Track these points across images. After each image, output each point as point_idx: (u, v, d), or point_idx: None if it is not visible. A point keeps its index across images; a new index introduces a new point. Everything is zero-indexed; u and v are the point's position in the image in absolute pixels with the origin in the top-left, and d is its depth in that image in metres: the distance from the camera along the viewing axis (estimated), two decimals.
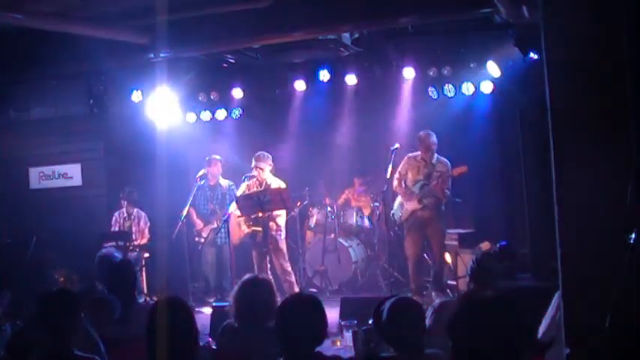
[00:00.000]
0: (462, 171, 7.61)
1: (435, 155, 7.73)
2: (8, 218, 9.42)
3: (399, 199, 7.88)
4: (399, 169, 7.75)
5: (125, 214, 8.98)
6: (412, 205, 7.67)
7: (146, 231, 9.00)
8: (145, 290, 8.47)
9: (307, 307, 3.25)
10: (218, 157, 8.95)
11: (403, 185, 7.77)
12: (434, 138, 7.69)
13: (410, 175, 7.76)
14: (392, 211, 7.97)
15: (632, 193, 2.72)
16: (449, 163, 7.73)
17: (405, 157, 7.80)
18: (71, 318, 3.53)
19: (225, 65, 9.05)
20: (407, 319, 3.30)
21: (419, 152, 7.78)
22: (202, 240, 8.85)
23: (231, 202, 8.32)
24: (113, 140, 9.63)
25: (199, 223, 8.89)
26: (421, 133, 7.76)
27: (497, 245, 7.49)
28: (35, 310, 3.66)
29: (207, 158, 8.94)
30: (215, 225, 8.71)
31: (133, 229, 8.91)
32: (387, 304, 3.36)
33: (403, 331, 3.27)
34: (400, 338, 3.28)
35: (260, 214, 7.83)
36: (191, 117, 9.75)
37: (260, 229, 7.98)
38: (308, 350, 3.17)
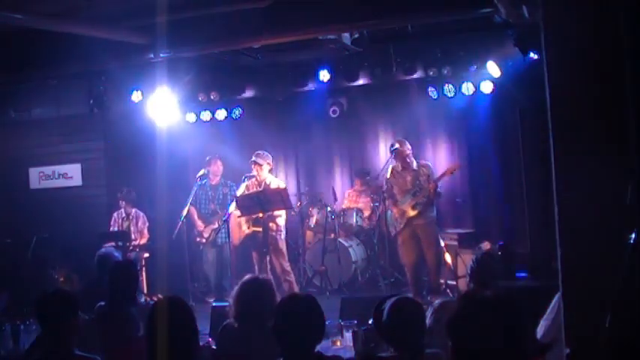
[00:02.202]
0: (455, 167, 7.61)
1: (414, 161, 7.71)
2: (8, 218, 9.42)
3: (391, 211, 7.86)
4: (384, 186, 7.71)
5: (124, 214, 8.98)
6: (407, 214, 7.65)
7: (145, 231, 9.00)
8: (145, 290, 8.46)
9: (304, 307, 3.24)
10: (218, 156, 8.96)
11: (390, 197, 7.75)
12: (407, 145, 7.66)
13: (397, 188, 7.72)
14: (388, 223, 7.95)
15: (632, 193, 2.72)
16: (430, 164, 7.77)
17: (386, 175, 7.71)
18: (69, 319, 3.53)
19: (225, 65, 9.05)
20: (407, 318, 3.30)
21: (397, 164, 7.72)
22: (204, 240, 8.86)
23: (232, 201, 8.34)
24: (113, 140, 9.64)
25: (200, 224, 8.89)
26: (396, 144, 7.66)
27: (497, 245, 7.50)
28: (34, 311, 3.66)
29: (207, 158, 8.94)
30: (216, 225, 8.71)
31: (132, 228, 8.91)
32: (388, 304, 3.36)
33: (403, 331, 3.27)
34: (400, 338, 3.28)
35: (260, 215, 7.84)
36: (191, 117, 9.75)
37: (260, 229, 7.98)
38: (307, 350, 3.17)
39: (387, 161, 7.79)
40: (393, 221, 7.80)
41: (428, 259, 7.70)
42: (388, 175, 7.69)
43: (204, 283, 9.01)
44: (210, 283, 8.95)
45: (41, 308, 3.58)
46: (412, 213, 7.61)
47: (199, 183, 8.61)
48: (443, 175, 7.62)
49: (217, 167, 8.90)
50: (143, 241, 8.94)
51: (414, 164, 7.70)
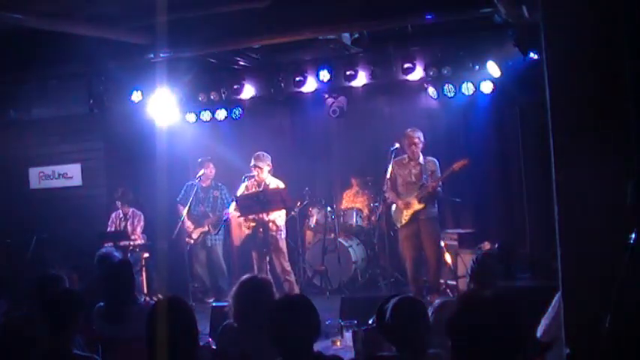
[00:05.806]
0: (463, 164, 7.52)
1: (421, 155, 7.67)
2: (8, 218, 9.42)
3: (395, 204, 7.83)
4: (387, 175, 7.63)
5: (121, 215, 8.97)
6: (413, 207, 7.62)
7: (137, 230, 8.92)
8: (145, 290, 8.46)
9: (297, 308, 3.26)
10: (210, 159, 8.92)
11: (394, 190, 7.72)
12: (419, 133, 7.60)
13: (400, 180, 7.68)
14: (393, 218, 7.93)
15: (632, 193, 2.72)
16: (437, 161, 7.70)
17: (392, 162, 7.66)
18: (74, 318, 3.53)
19: (225, 65, 9.05)
20: (411, 317, 3.29)
21: (405, 155, 7.69)
22: (192, 241, 8.82)
23: (229, 204, 8.34)
24: (113, 140, 9.63)
25: (190, 224, 8.82)
26: (408, 130, 7.67)
27: (497, 245, 7.49)
28: (41, 307, 3.66)
29: (199, 160, 8.92)
30: (206, 227, 8.70)
31: (129, 228, 8.89)
32: (391, 303, 3.34)
33: (407, 331, 3.27)
34: (404, 337, 3.27)
35: (259, 215, 7.83)
36: (191, 117, 9.75)
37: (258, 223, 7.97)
38: (306, 350, 3.18)
39: (389, 161, 7.74)
40: (397, 215, 7.77)
41: (428, 255, 7.68)
42: (388, 175, 7.65)
43: (201, 284, 9.01)
44: (206, 284, 8.95)
45: (51, 306, 3.57)
46: (418, 206, 7.55)
47: (191, 184, 8.61)
48: (450, 171, 7.54)
49: (210, 170, 8.86)
50: (140, 241, 8.91)
51: (421, 158, 7.66)
